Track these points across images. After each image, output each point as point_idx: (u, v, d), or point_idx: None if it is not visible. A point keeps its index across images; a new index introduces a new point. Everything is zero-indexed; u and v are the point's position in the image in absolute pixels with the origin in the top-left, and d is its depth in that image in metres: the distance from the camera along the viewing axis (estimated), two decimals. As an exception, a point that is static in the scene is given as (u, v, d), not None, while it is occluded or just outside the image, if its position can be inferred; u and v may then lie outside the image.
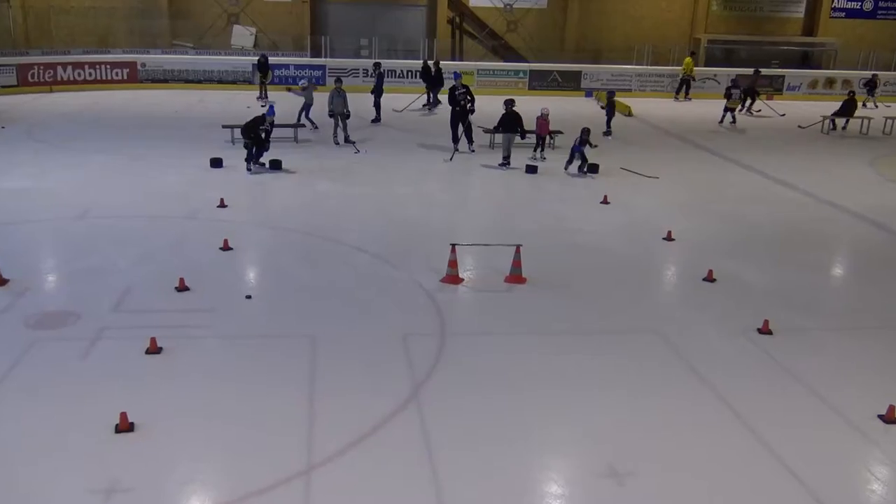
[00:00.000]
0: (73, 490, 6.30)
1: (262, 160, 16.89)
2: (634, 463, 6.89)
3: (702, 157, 20.33)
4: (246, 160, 16.70)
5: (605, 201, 15.32)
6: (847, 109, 24.44)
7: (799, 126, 24.93)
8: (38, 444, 6.90)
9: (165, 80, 28.76)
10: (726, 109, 25.12)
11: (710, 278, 11.35)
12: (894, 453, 7.25)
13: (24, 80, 26.70)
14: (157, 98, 26.57)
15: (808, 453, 7.17)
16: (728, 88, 25.55)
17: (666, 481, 6.73)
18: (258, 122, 16.66)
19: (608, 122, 22.47)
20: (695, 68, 30.13)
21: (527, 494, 6.55)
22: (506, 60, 33.16)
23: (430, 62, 26.49)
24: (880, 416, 7.76)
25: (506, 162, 18.01)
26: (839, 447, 7.33)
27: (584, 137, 17.19)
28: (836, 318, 10.38)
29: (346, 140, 19.62)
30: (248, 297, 10.21)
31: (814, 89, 32.16)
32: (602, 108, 24.56)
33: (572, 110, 26.04)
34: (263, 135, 16.69)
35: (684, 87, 29.97)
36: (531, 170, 17.62)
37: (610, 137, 21.86)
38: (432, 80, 25.79)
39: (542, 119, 18.88)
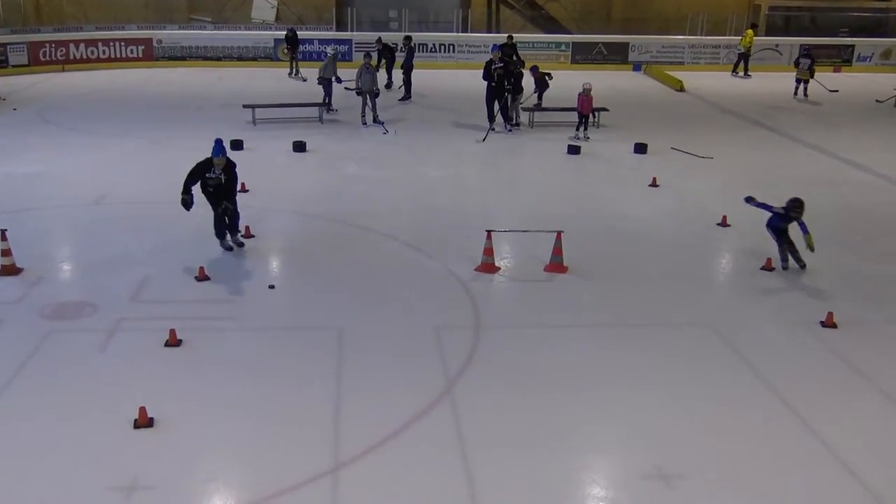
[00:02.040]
0: (93, 487, 6.49)
1: (230, 240, 11.53)
2: (684, 465, 6.92)
3: (761, 136, 20.17)
4: (217, 234, 11.50)
5: (653, 184, 15.28)
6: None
7: (876, 101, 24.59)
8: (54, 439, 7.11)
9: (183, 58, 29.19)
10: (798, 81, 24.94)
11: (768, 267, 11.30)
12: (969, 456, 7.20)
13: (36, 59, 27.25)
14: (173, 76, 26.96)
15: (873, 456, 7.14)
16: (798, 58, 25.32)
17: (718, 485, 6.75)
18: (203, 168, 11.10)
19: (540, 94, 21.51)
20: (754, 39, 29.76)
21: (567, 498, 6.62)
22: (546, 32, 33.07)
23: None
24: (955, 417, 7.71)
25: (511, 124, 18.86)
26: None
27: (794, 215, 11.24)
28: (908, 311, 10.29)
29: (375, 120, 19.76)
30: (272, 286, 10.39)
31: (887, 59, 31.62)
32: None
33: (619, 86, 25.94)
34: (212, 191, 11.12)
35: (742, 61, 29.62)
36: (573, 150, 17.62)
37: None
38: (390, 57, 24.93)
39: (585, 95, 18.82)
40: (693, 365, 8.69)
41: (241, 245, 11.55)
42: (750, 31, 29.70)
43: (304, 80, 25.33)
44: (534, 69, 21.19)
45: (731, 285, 11.30)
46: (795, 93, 25.17)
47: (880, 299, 10.55)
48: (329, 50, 22.50)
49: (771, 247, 11.64)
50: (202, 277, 10.48)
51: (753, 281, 11.04)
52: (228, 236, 11.50)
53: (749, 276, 11.19)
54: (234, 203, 11.34)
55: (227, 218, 11.33)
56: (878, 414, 7.88)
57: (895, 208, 14.48)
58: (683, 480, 6.75)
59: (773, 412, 7.82)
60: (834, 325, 9.58)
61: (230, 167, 11.17)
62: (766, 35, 32.67)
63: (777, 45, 30.98)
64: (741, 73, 29.51)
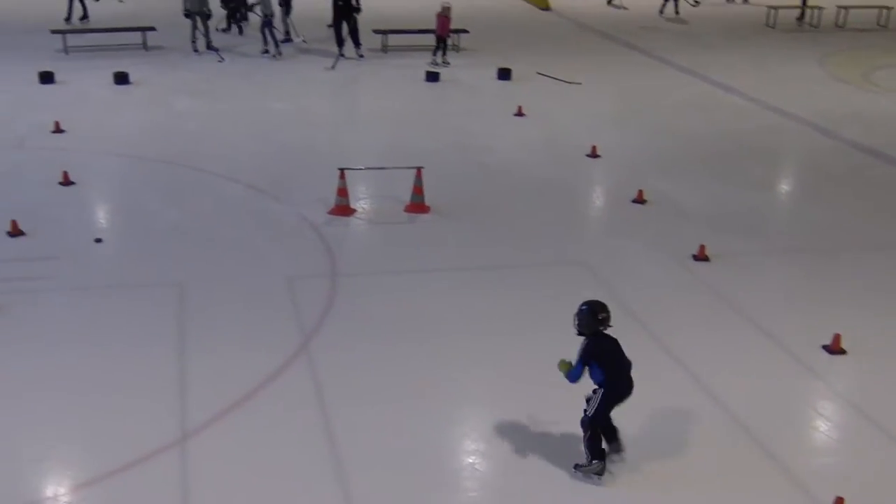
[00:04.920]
0: None
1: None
2: (556, 412, 7.25)
3: (631, 59, 20.87)
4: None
5: (519, 113, 15.66)
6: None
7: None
8: None
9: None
10: None
11: (640, 199, 11.87)
12: (839, 386, 7.92)
13: None
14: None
15: (747, 389, 7.74)
16: None
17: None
18: None
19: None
20: None
21: (437, 455, 6.88)
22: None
23: None
24: (825, 347, 8.40)
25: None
26: (781, 383, 7.92)
27: None
28: (781, 241, 11.08)
29: (209, 46, 19.30)
30: (98, 240, 10.19)
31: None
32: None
33: (479, 4, 26.11)
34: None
35: None
36: (432, 77, 17.79)
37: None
38: None
39: (444, 16, 18.96)
40: (564, 305, 8.96)
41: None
42: None
43: (122, 2, 24.35)
44: None
45: (602, 219, 11.83)
46: (662, 11, 25.89)
47: (754, 230, 11.26)
48: None
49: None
50: (15, 232, 10.16)
51: (625, 214, 11.59)
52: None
53: (621, 209, 11.74)
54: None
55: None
56: (751, 347, 8.50)
57: (768, 134, 15.36)
58: (556, 427, 7.12)
59: (646, 349, 8.27)
60: (706, 258, 10.21)
61: None
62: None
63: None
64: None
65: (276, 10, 19.49)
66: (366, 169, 12.06)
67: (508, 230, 10.89)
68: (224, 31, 21.47)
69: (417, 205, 11.29)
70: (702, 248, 10.30)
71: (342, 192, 11.13)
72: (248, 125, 14.66)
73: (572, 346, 6.48)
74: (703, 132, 15.21)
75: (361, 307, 8.94)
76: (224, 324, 8.53)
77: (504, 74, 18.08)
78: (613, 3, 27.14)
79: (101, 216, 11.20)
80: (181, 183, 12.09)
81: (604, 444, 6.45)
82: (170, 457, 6.64)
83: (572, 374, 6.32)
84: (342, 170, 11.18)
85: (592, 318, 6.32)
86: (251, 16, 21.65)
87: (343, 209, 11.11)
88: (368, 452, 6.77)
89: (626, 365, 6.36)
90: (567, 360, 6.37)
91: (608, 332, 6.40)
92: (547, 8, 26.65)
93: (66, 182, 11.66)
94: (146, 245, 10.15)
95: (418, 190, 11.30)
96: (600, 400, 6.29)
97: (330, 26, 20.05)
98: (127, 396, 7.34)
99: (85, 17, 21.61)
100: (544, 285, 9.52)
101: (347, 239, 10.60)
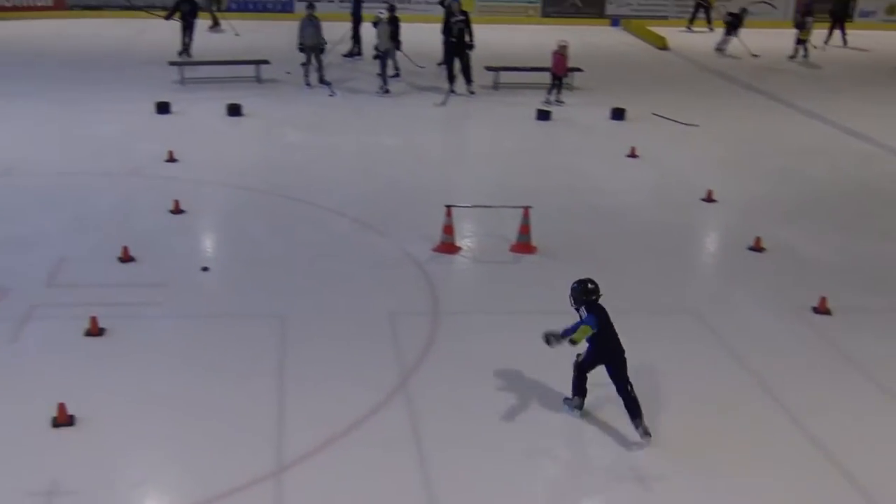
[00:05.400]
0: (9, 493, 6.57)
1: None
2: (662, 463, 7.16)
3: (752, 101, 20.53)
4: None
5: (632, 154, 15.54)
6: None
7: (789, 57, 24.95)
8: (-39, 441, 7.18)
9: (98, 7, 28.78)
10: (799, 41, 25.19)
11: (757, 247, 11.60)
12: (966, 452, 7.54)
13: (-73, 7, 26.74)
14: (89, 29, 26.60)
15: (866, 451, 7.44)
16: (801, 14, 25.54)
17: (699, 481, 7.02)
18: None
19: None
20: None
21: (534, 501, 6.83)
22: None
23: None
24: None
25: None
26: (902, 445, 7.61)
27: None
28: (907, 297, 10.65)
29: (321, 80, 19.76)
30: (205, 269, 10.47)
31: (893, 16, 32.06)
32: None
33: (594, 43, 26.14)
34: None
35: (702, 12, 29.56)
36: (543, 116, 17.82)
37: None
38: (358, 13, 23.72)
39: (560, 54, 18.98)
40: (673, 353, 8.92)
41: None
42: None
43: (238, 35, 25.17)
44: None
45: (716, 267, 11.60)
46: (794, 55, 25.40)
47: (881, 283, 10.87)
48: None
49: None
50: (126, 258, 10.51)
51: (740, 262, 11.33)
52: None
53: (736, 257, 11.48)
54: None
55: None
56: (872, 407, 8.19)
57: (896, 182, 14.87)
58: (662, 482, 6.97)
59: (760, 405, 8.10)
60: (828, 312, 9.88)
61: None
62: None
63: (770, -1, 31.24)
64: (700, 28, 29.47)
65: (389, 45, 19.72)
66: (473, 206, 12.10)
67: (617, 275, 10.71)
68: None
69: (524, 245, 11.27)
70: (823, 300, 9.98)
71: (448, 229, 11.20)
72: (356, 159, 14.90)
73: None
74: (827, 178, 14.82)
75: (462, 346, 8.95)
76: (324, 357, 8.64)
77: (618, 114, 17.99)
78: (724, 50, 26.32)
79: (209, 245, 11.54)
80: (288, 215, 12.35)
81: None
82: (264, 489, 6.74)
83: (573, 328, 7.41)
84: (449, 207, 11.25)
85: (583, 292, 7.54)
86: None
87: (448, 247, 11.17)
88: (463, 495, 6.74)
89: (613, 330, 7.48)
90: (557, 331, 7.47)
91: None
92: (665, 47, 26.47)
93: (177, 210, 12.03)
94: (251, 275, 10.38)
95: (525, 229, 11.28)
96: (589, 353, 7.61)
97: (440, 64, 20.37)
98: (225, 425, 7.49)
99: (184, 52, 21.93)
100: (650, 332, 9.32)
101: (451, 277, 10.64)
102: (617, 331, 7.49)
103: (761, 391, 8.32)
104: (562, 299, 9.96)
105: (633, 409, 7.38)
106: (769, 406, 8.08)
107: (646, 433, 7.31)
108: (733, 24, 25.49)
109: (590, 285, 7.55)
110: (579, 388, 7.76)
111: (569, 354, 7.71)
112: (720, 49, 25.70)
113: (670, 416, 7.78)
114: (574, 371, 7.75)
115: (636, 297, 10.18)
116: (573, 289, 7.61)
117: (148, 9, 26.63)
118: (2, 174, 13.52)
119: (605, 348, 7.51)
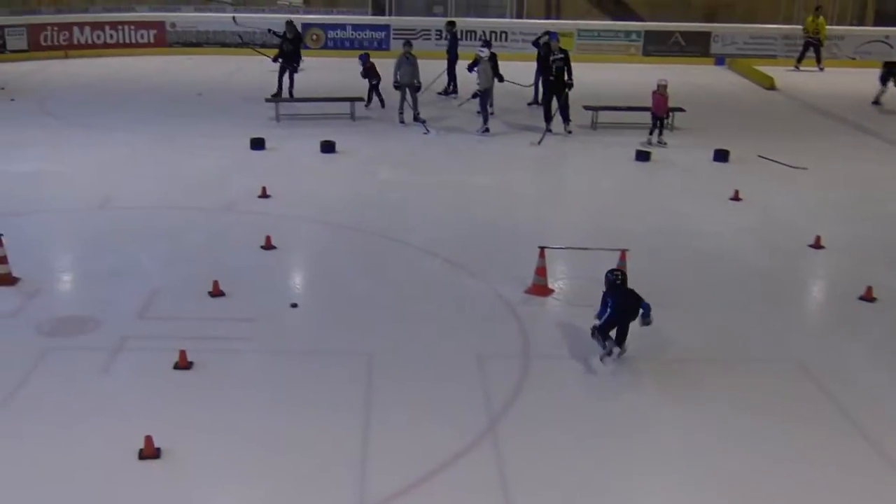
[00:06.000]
0: (91, 524, 6.77)
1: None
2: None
3: (864, 143, 20.09)
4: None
5: (735, 197, 15.31)
6: None
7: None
8: (51, 470, 7.39)
9: (198, 44, 29.80)
10: None
11: (868, 297, 11.29)
12: None
13: (37, 44, 28.05)
14: (188, 65, 27.53)
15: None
16: None
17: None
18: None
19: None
20: (826, 27, 29.26)
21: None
22: (615, 18, 33.18)
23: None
24: None
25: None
26: None
27: None
28: None
29: (415, 118, 20.03)
30: (294, 305, 10.64)
31: None
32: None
33: (698, 82, 25.95)
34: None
35: (812, 51, 29.06)
36: (642, 156, 17.72)
37: None
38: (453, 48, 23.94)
39: (660, 94, 18.87)
40: (776, 407, 8.72)
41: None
42: (812, 18, 29.02)
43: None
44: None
45: (823, 316, 11.32)
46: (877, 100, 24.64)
47: None
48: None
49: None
50: (217, 293, 10.77)
51: (850, 312, 11.04)
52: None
53: (845, 307, 11.19)
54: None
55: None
56: None
57: None
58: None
59: (868, 466, 7.84)
60: (943, 367, 9.58)
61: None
62: (876, 25, 32.33)
63: (887, 37, 30.65)
64: (815, 68, 28.90)
65: (491, 84, 19.70)
66: (567, 248, 12.08)
67: (717, 322, 10.59)
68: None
69: (619, 288, 11.18)
70: (938, 354, 9.68)
71: (541, 271, 11.18)
72: (449, 198, 15.02)
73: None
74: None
75: (553, 392, 8.90)
76: (411, 398, 8.68)
77: (721, 156, 17.77)
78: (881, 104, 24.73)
79: (298, 281, 11.74)
80: (378, 253, 12.50)
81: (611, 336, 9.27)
82: (347, 529, 6.79)
83: (601, 313, 9.35)
84: (542, 248, 11.25)
85: (610, 280, 9.33)
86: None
87: (540, 289, 11.15)
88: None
89: (629, 302, 9.20)
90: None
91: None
92: (772, 87, 26.12)
93: (269, 246, 12.29)
94: (340, 313, 10.51)
95: (621, 272, 11.20)
96: (605, 319, 9.26)
97: (531, 104, 20.38)
98: (309, 463, 7.58)
99: (277, 94, 21.69)
100: (751, 383, 9.17)
101: (543, 320, 10.60)
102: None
103: (869, 448, 8.04)
104: (660, 346, 9.92)
105: (622, 339, 9.31)
106: (876, 463, 7.82)
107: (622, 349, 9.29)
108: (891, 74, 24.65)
109: (615, 273, 9.42)
110: (603, 339, 9.29)
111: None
112: (877, 102, 24.80)
113: (776, 471, 7.59)
114: (594, 333, 9.42)
115: (736, 347, 10.03)
116: (606, 278, 9.39)
117: (256, 47, 27.35)
118: (99, 206, 14.02)
119: (619, 315, 9.21)
